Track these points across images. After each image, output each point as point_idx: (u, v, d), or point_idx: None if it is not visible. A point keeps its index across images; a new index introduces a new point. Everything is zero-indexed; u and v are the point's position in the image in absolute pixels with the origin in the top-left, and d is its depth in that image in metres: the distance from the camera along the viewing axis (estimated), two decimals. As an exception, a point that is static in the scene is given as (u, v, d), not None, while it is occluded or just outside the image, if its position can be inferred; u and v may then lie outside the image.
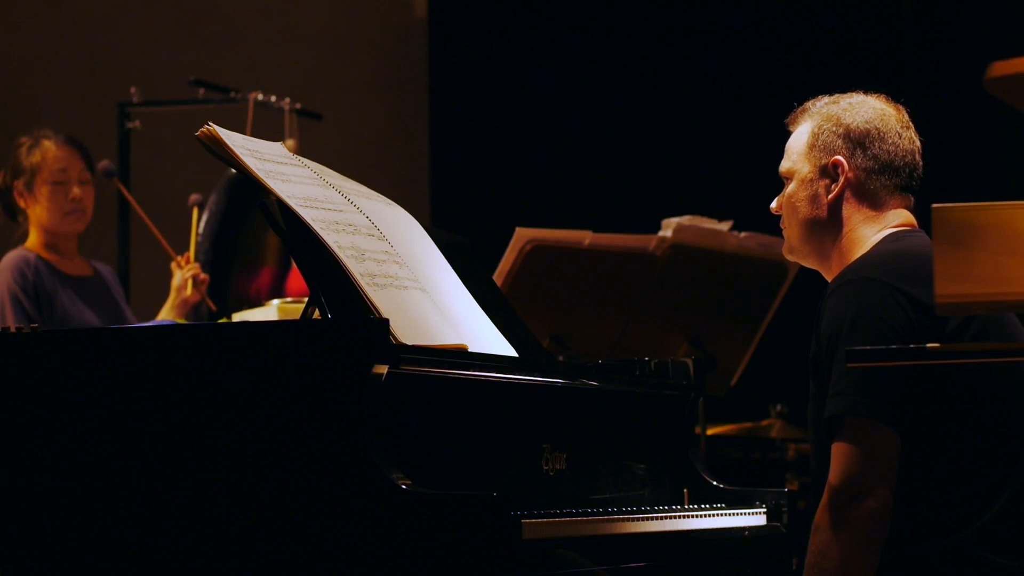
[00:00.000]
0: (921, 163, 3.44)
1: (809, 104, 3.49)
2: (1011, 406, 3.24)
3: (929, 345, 2.70)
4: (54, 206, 5.30)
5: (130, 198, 5.71)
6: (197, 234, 5.65)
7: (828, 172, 3.41)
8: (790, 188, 3.45)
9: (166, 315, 5.37)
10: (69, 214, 5.31)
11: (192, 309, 5.42)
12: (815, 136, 3.42)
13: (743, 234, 5.43)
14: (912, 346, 3.01)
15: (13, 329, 3.18)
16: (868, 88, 3.53)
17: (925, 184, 3.45)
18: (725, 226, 5.45)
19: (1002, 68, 2.35)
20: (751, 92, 7.38)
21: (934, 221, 2.37)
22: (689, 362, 3.86)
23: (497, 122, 7.99)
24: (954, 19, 7.29)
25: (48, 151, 5.32)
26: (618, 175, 7.79)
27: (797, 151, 3.45)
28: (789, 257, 3.52)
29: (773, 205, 3.50)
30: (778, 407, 6.21)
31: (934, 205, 2.38)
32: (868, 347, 3.00)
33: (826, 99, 3.47)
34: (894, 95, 3.51)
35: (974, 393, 3.20)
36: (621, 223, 5.55)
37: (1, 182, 5.37)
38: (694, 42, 7.79)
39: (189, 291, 5.39)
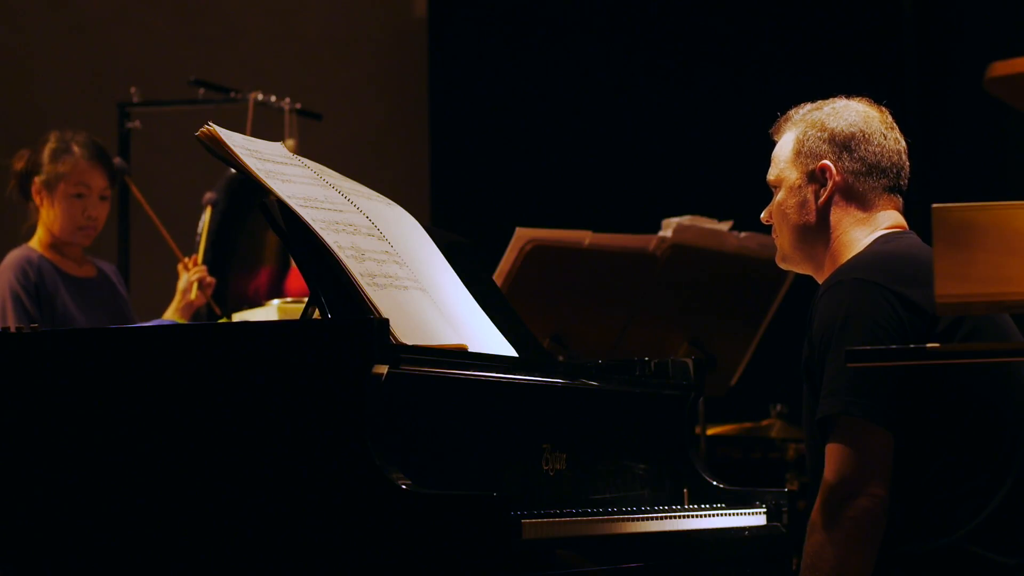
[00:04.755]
0: (908, 163, 3.45)
1: (792, 112, 3.50)
2: (1005, 404, 3.25)
3: (928, 345, 2.70)
4: (68, 218, 5.28)
5: (141, 198, 5.70)
6: (206, 234, 5.62)
7: (816, 177, 3.41)
8: (779, 196, 3.46)
9: (170, 317, 5.36)
10: (81, 229, 5.30)
11: (196, 312, 5.41)
12: (800, 143, 3.43)
13: (743, 234, 5.43)
14: (912, 346, 3.01)
15: (13, 329, 3.18)
16: (870, 89, 3.54)
17: (925, 184, 3.46)
18: (725, 226, 5.45)
19: (1002, 68, 2.35)
20: (751, 92, 7.39)
21: (934, 221, 2.36)
22: (689, 362, 3.86)
23: (497, 122, 7.99)
24: (954, 19, 7.29)
25: (76, 165, 5.27)
26: (618, 175, 7.79)
27: (784, 159, 3.46)
28: (782, 266, 3.52)
29: (763, 215, 3.51)
30: (778, 407, 6.21)
31: (934, 205, 2.38)
32: (867, 347, 3.00)
33: (809, 106, 3.48)
34: (894, 95, 3.51)
35: (968, 392, 3.21)
36: (621, 223, 5.55)
37: (23, 166, 5.33)
38: (694, 42, 7.79)
39: (194, 294, 5.37)
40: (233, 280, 5.76)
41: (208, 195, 5.65)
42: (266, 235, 5.79)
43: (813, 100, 3.51)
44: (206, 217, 5.63)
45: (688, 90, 7.71)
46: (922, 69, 7.24)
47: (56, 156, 5.29)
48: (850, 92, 3.51)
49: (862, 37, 7.49)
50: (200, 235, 5.59)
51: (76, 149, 5.29)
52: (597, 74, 7.87)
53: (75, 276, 5.33)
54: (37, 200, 5.31)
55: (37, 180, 5.29)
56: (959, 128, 7.13)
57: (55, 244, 5.32)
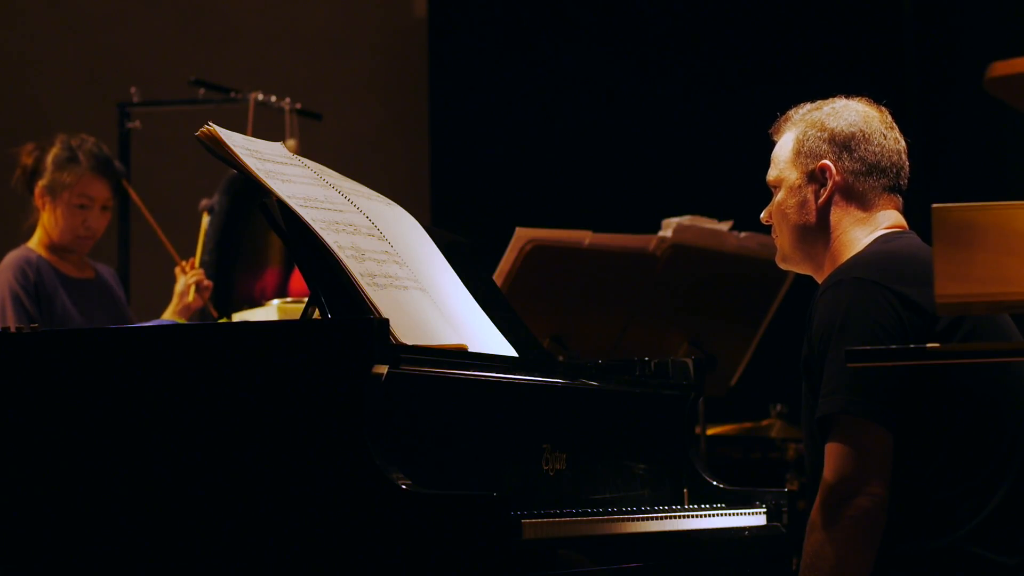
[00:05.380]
0: (907, 163, 3.45)
1: (791, 112, 3.50)
2: (1005, 404, 3.25)
3: (929, 345, 2.70)
4: (68, 227, 5.27)
5: (139, 202, 5.70)
6: (205, 239, 5.62)
7: (816, 177, 3.41)
8: (779, 196, 3.46)
9: (168, 319, 5.36)
10: (80, 238, 5.30)
11: (197, 314, 5.41)
12: (800, 143, 3.43)
13: (743, 234, 5.43)
14: (912, 346, 3.01)
15: (13, 329, 3.18)
16: (870, 89, 3.54)
17: (925, 184, 3.46)
18: (725, 226, 5.45)
19: (1002, 68, 2.35)
20: (751, 92, 7.38)
21: (934, 221, 2.37)
22: (689, 362, 3.86)
23: (497, 122, 7.99)
24: (954, 19, 7.29)
25: (81, 177, 5.25)
26: (618, 175, 7.79)
27: (783, 159, 3.46)
28: (783, 266, 3.52)
29: (763, 216, 3.51)
30: (778, 407, 6.21)
31: (934, 205, 2.38)
32: (868, 347, 3.00)
33: (808, 106, 3.48)
34: (894, 95, 3.51)
35: (968, 392, 3.21)
36: (621, 223, 5.55)
37: (31, 163, 5.31)
38: (694, 42, 7.79)
39: (191, 297, 5.36)
40: (238, 281, 5.75)
41: (204, 201, 5.65)
42: (270, 236, 5.78)
43: (813, 100, 3.51)
44: (204, 224, 5.63)
45: (688, 90, 7.71)
46: (922, 69, 7.24)
47: (61, 165, 5.27)
48: (850, 92, 3.51)
49: (862, 37, 7.49)
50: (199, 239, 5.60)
51: (83, 159, 5.27)
52: (597, 74, 7.87)
53: (74, 278, 5.33)
54: (39, 203, 5.31)
55: (40, 184, 5.28)
56: (959, 128, 7.13)
57: (54, 246, 5.32)
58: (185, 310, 5.37)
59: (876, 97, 3.52)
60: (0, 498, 3.11)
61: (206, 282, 5.41)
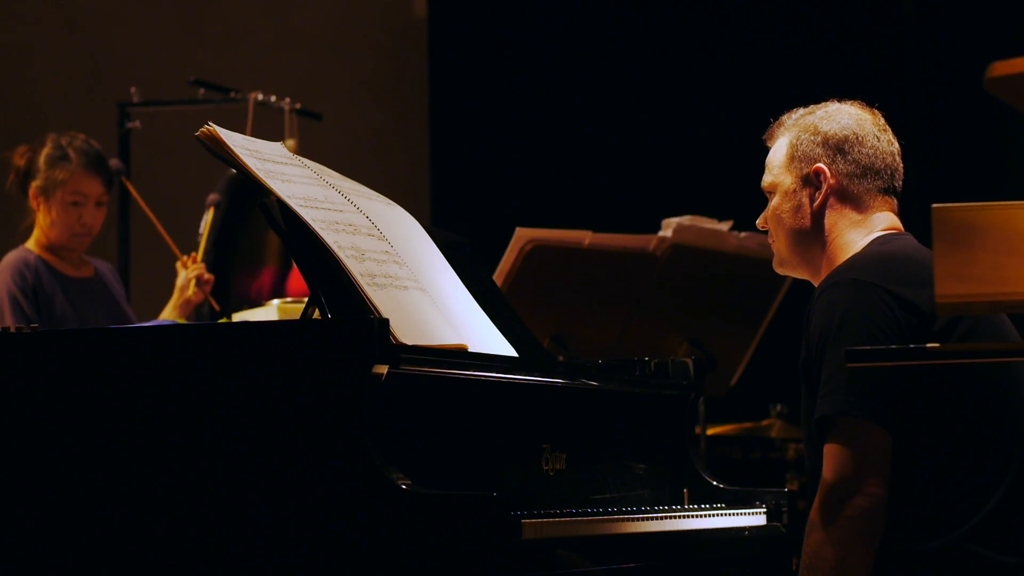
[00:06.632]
0: (901, 165, 3.45)
1: (784, 117, 3.51)
2: (1003, 404, 3.25)
3: (928, 345, 2.70)
4: (63, 224, 5.27)
5: (139, 199, 5.70)
6: (209, 233, 5.61)
7: (811, 181, 3.42)
8: (774, 201, 3.47)
9: (168, 315, 5.36)
10: (76, 236, 5.30)
11: (194, 309, 5.41)
12: (794, 147, 3.43)
13: (743, 234, 5.43)
14: (912, 346, 3.01)
15: (13, 330, 3.18)
16: (870, 89, 3.54)
17: (925, 184, 3.46)
18: (725, 226, 5.45)
19: (1002, 68, 2.35)
20: (751, 92, 7.38)
21: (934, 221, 2.37)
22: (689, 362, 3.86)
23: (497, 122, 7.99)
24: (954, 19, 7.29)
25: (73, 174, 5.25)
26: (618, 175, 7.79)
27: (778, 164, 3.47)
28: (780, 271, 3.53)
29: (759, 221, 3.52)
30: (778, 407, 6.21)
31: (934, 205, 2.38)
32: (868, 347, 3.01)
33: (801, 111, 3.49)
34: (894, 95, 3.51)
35: (966, 391, 3.21)
36: (621, 223, 5.55)
37: (23, 165, 5.32)
38: (694, 42, 7.79)
39: (191, 291, 5.36)
40: (235, 280, 5.76)
41: (211, 196, 5.65)
42: (268, 235, 5.79)
43: (813, 100, 3.51)
44: (208, 218, 5.63)
45: (688, 90, 7.71)
46: (922, 69, 7.24)
47: (53, 163, 5.26)
48: (850, 93, 3.51)
49: (862, 37, 7.49)
50: (201, 235, 5.60)
51: (73, 156, 5.27)
52: (597, 74, 7.87)
53: (73, 277, 5.33)
54: (34, 204, 5.31)
55: (34, 185, 5.28)
56: (959, 128, 7.12)
57: (51, 246, 5.32)
58: (186, 304, 5.37)
59: (876, 97, 3.52)
60: (1, 498, 3.11)
61: (207, 276, 5.41)
